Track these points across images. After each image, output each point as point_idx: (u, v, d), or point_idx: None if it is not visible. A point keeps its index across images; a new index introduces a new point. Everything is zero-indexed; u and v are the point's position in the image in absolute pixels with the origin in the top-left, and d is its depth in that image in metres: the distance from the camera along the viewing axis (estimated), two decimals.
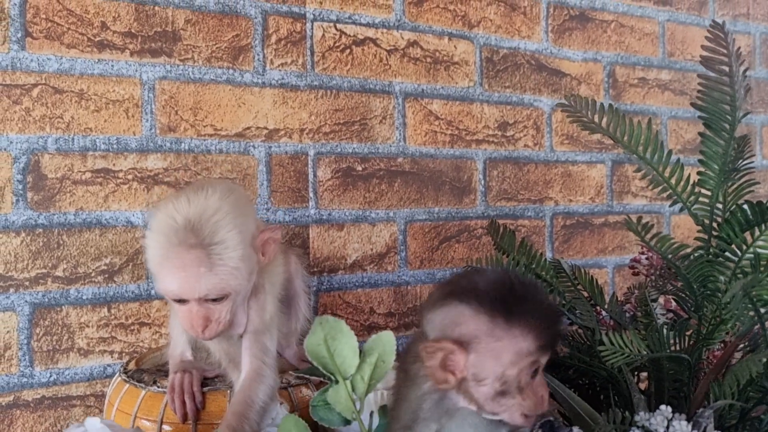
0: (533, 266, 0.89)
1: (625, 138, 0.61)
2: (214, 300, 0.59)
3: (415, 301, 1.06)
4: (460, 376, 0.49)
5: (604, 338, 0.55)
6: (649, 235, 0.57)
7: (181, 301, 0.60)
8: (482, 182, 1.12)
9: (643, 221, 0.58)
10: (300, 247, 0.97)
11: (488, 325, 0.48)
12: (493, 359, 0.48)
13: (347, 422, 0.57)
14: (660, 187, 0.61)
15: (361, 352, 0.57)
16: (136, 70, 0.88)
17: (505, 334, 0.48)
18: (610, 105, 0.62)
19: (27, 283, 0.82)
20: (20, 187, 0.82)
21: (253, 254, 0.62)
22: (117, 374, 0.74)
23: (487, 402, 0.49)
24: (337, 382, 0.56)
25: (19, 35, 0.82)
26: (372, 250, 1.03)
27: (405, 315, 1.06)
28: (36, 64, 0.83)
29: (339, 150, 1.01)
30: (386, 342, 0.57)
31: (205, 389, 0.67)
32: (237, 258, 0.59)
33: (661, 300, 0.85)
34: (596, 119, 0.61)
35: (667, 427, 0.53)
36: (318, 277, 0.99)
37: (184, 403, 0.66)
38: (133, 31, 0.88)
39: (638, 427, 0.54)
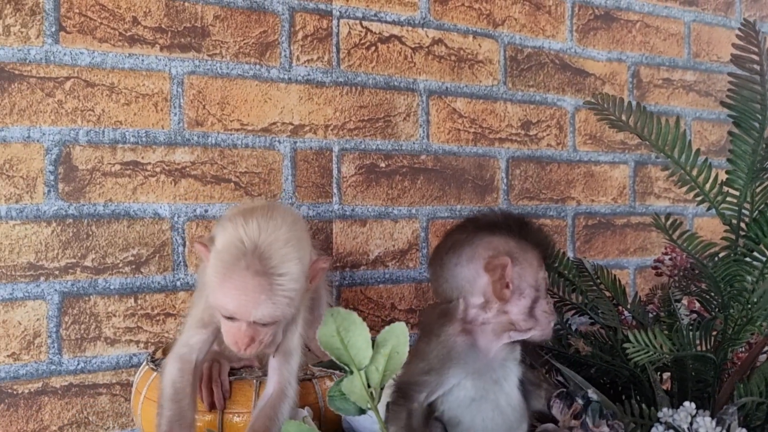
0: (555, 264, 0.89)
1: (653, 137, 0.61)
2: (264, 324, 0.61)
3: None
4: (511, 289, 0.57)
5: (629, 335, 0.55)
6: (676, 234, 0.57)
7: (232, 318, 0.62)
8: (505, 181, 1.12)
9: (672, 219, 0.58)
10: (323, 242, 0.98)
11: (516, 243, 0.58)
12: (529, 268, 0.58)
13: (362, 411, 0.58)
14: (687, 187, 0.61)
15: (374, 343, 0.58)
16: (166, 65, 0.89)
17: (528, 248, 0.59)
18: (638, 103, 0.62)
19: (57, 272, 0.84)
20: (52, 178, 0.84)
21: (305, 282, 0.64)
22: (144, 363, 0.76)
23: (523, 318, 0.57)
24: (351, 372, 0.57)
25: (53, 29, 0.84)
26: (394, 246, 1.03)
27: None
28: (69, 57, 0.84)
29: (363, 146, 1.01)
30: (399, 333, 0.58)
31: (232, 378, 0.68)
32: (296, 289, 0.61)
33: (685, 301, 0.85)
34: (624, 118, 0.61)
35: (691, 424, 0.53)
36: (340, 272, 0.99)
37: (211, 391, 0.67)
38: (163, 26, 0.89)
39: (661, 423, 0.54)
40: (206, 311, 0.66)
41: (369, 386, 0.58)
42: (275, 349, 0.66)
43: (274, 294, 0.59)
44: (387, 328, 0.60)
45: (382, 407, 0.59)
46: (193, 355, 0.66)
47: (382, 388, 0.61)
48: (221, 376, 0.67)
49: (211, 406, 0.67)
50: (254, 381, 0.68)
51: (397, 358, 0.58)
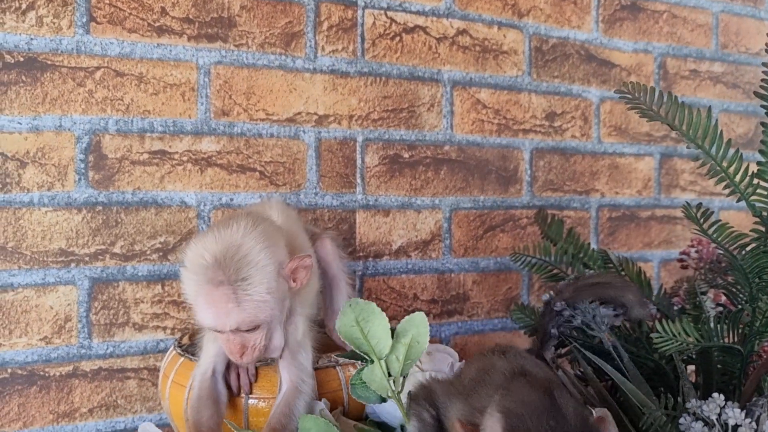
0: (581, 255, 0.89)
1: (684, 127, 0.60)
2: (247, 330, 0.62)
3: (459, 288, 1.07)
4: None
5: (657, 325, 0.55)
6: (707, 224, 0.56)
7: (218, 330, 0.64)
8: (528, 172, 1.12)
9: (703, 209, 0.57)
10: (347, 232, 0.99)
11: None
12: None
13: (383, 400, 0.58)
14: (718, 178, 0.60)
15: (394, 333, 0.59)
16: (193, 55, 0.90)
17: None
18: (669, 93, 0.61)
19: (87, 259, 0.85)
20: (82, 166, 0.85)
21: (282, 283, 0.64)
22: (171, 348, 0.77)
23: None
24: (372, 362, 0.58)
25: (84, 20, 0.85)
26: (417, 236, 1.04)
27: (448, 302, 1.06)
28: (99, 47, 0.86)
29: (387, 137, 1.02)
30: (419, 323, 0.58)
31: (258, 364, 0.69)
32: (263, 292, 0.61)
33: (711, 294, 0.84)
34: (655, 107, 0.60)
35: (720, 415, 0.53)
36: (363, 261, 1.00)
37: (238, 375, 0.68)
38: (190, 16, 0.90)
39: (689, 414, 0.54)
40: None
41: (390, 375, 0.59)
42: (282, 350, 0.67)
43: (241, 300, 0.60)
44: (407, 317, 0.60)
45: (403, 396, 0.59)
46: (209, 371, 0.68)
47: (404, 377, 0.61)
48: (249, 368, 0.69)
49: (238, 391, 0.68)
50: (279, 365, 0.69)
51: (417, 347, 0.59)
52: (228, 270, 0.60)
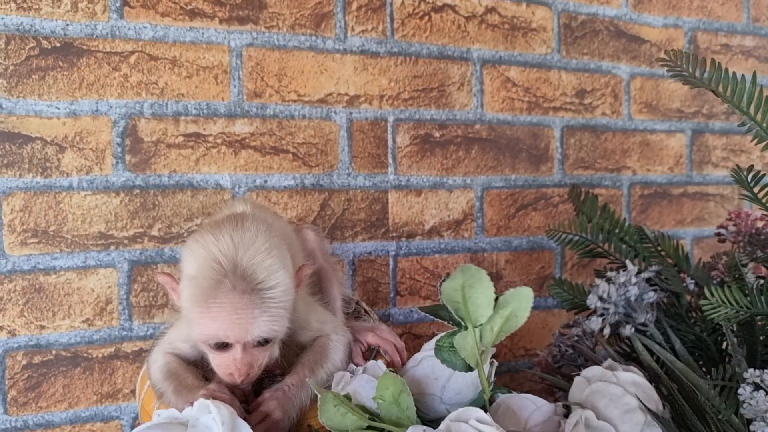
0: (617, 231, 0.88)
1: (728, 93, 0.59)
2: (260, 344, 0.56)
3: (492, 268, 1.07)
4: None
5: (706, 292, 0.55)
6: (757, 187, 0.55)
7: (224, 347, 0.56)
8: (559, 150, 1.11)
9: (754, 171, 0.56)
10: (380, 212, 0.99)
11: None
12: None
13: (469, 368, 0.57)
14: (764, 143, 0.59)
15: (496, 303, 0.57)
16: (225, 38, 0.91)
17: None
18: (713, 60, 0.60)
19: (126, 242, 0.86)
20: (119, 150, 0.86)
21: (294, 289, 0.59)
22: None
23: None
24: (466, 328, 0.56)
25: (117, 5, 0.86)
26: (449, 216, 1.04)
27: None
28: (133, 32, 0.86)
29: (417, 116, 1.01)
30: (523, 297, 0.56)
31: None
32: (288, 299, 0.57)
33: (750, 266, 0.83)
34: (698, 74, 0.59)
35: None
36: (396, 242, 1.00)
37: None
38: None
39: (749, 383, 0.54)
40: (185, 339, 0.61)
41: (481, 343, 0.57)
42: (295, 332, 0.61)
43: (268, 308, 0.54)
44: (512, 290, 0.58)
45: (486, 367, 0.57)
46: (178, 350, 0.61)
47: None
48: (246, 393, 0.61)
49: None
50: None
51: (514, 321, 0.56)
52: (256, 277, 0.54)
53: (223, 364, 0.56)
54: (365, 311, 0.77)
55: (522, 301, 0.56)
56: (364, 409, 0.55)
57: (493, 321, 0.56)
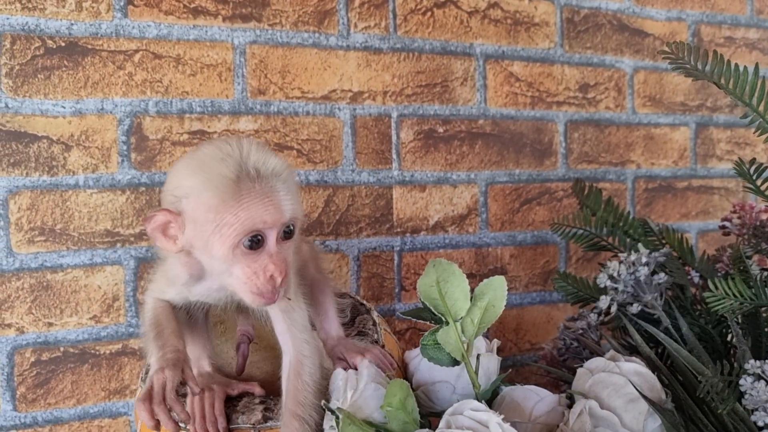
0: (621, 224, 0.88)
1: (731, 85, 0.59)
2: (285, 238, 0.56)
3: (496, 263, 1.07)
4: None
5: (710, 284, 0.55)
6: (759, 180, 0.56)
7: (258, 243, 0.54)
8: (563, 144, 1.11)
9: (757, 164, 0.57)
10: (384, 207, 0.99)
11: None
12: None
13: (456, 362, 0.57)
14: (767, 135, 0.59)
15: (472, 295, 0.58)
16: (228, 35, 0.91)
17: None
18: (714, 51, 0.60)
19: (132, 239, 0.87)
20: (125, 147, 0.87)
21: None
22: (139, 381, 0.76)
23: None
24: (447, 323, 0.57)
25: (121, 4, 0.86)
26: (453, 211, 1.04)
27: (486, 276, 1.06)
28: (137, 30, 0.87)
29: (421, 112, 1.02)
30: (497, 286, 0.57)
31: (232, 426, 0.61)
32: (298, 187, 0.58)
33: (755, 259, 0.83)
34: (700, 66, 0.60)
35: None
36: (401, 237, 1.01)
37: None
38: None
39: (750, 374, 0.54)
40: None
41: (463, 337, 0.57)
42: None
43: (290, 190, 0.55)
44: (486, 281, 0.58)
45: (472, 359, 0.58)
46: (165, 296, 0.62)
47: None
48: (216, 411, 0.61)
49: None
50: (251, 430, 0.61)
51: (492, 311, 0.57)
52: (269, 165, 0.54)
53: (259, 269, 0.54)
54: (374, 323, 0.74)
55: (497, 290, 0.57)
56: (370, 423, 0.55)
57: (472, 313, 0.56)
